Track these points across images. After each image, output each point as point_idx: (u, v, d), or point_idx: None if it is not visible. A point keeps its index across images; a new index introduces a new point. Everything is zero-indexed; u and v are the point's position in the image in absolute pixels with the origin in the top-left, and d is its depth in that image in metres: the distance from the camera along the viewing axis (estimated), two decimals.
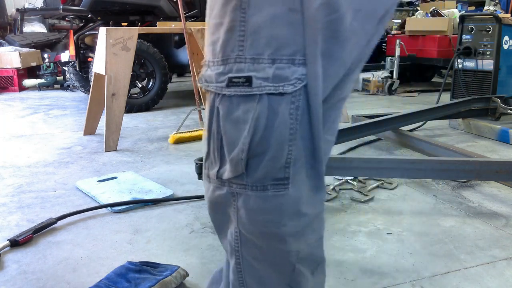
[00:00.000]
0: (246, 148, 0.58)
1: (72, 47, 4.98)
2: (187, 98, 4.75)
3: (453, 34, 4.89)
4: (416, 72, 5.89)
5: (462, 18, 3.76)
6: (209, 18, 0.62)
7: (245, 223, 0.62)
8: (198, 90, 2.98)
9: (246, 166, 0.59)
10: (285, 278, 0.66)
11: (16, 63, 5.39)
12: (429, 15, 5.48)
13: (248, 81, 0.57)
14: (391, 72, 5.01)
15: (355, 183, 2.05)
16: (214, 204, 0.65)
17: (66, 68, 5.12)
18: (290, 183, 0.60)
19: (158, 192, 1.95)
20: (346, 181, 2.07)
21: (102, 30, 2.68)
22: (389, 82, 4.95)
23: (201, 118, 3.06)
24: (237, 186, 0.61)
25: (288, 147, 0.58)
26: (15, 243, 1.48)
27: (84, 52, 4.47)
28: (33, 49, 5.95)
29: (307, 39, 0.57)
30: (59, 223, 1.65)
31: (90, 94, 3.04)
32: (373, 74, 5.11)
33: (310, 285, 0.68)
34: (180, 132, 2.90)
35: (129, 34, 2.72)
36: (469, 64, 3.68)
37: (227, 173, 0.61)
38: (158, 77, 4.07)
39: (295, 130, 0.58)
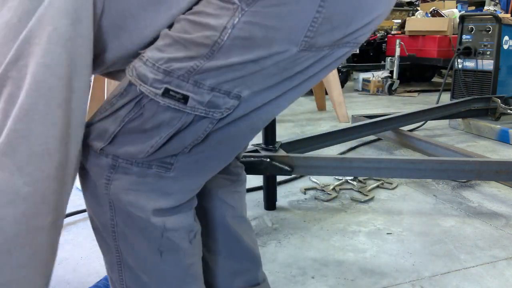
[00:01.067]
0: (157, 146, 0.65)
1: None
2: None
3: (453, 34, 4.88)
4: (416, 72, 5.89)
5: (462, 18, 3.76)
6: (174, 28, 0.64)
7: (117, 193, 0.68)
8: None
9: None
10: (154, 244, 0.71)
11: None
12: (429, 15, 5.48)
13: (184, 98, 0.61)
14: (391, 72, 5.00)
15: (355, 183, 2.05)
16: (87, 171, 0.71)
17: None
18: (172, 169, 0.68)
19: None
20: (346, 181, 2.07)
21: None
22: (389, 82, 4.95)
23: None
24: (123, 161, 0.67)
25: (186, 145, 0.66)
26: None
27: None
28: None
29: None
30: None
31: (90, 94, 3.03)
32: (373, 74, 5.10)
33: (186, 253, 0.74)
34: None
35: None
36: (469, 64, 3.68)
37: (123, 154, 0.66)
38: None
39: (198, 140, 0.66)
